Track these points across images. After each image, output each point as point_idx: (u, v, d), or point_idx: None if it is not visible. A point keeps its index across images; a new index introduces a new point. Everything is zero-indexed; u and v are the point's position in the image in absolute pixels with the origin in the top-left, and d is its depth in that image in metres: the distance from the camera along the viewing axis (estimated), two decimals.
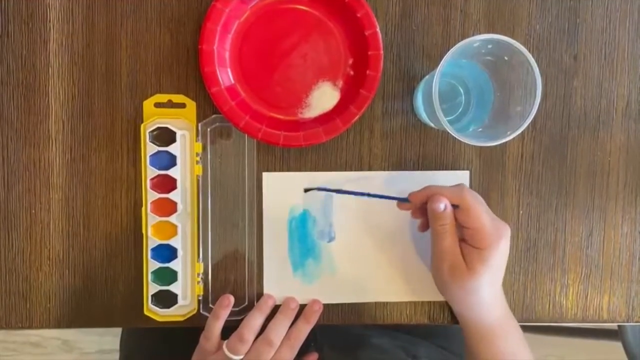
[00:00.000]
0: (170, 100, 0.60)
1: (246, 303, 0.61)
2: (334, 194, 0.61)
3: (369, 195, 0.59)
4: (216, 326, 0.58)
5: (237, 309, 0.61)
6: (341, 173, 0.62)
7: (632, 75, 0.63)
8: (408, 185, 0.62)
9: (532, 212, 0.64)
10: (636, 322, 0.65)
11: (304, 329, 0.59)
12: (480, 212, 0.54)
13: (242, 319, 0.59)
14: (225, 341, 0.58)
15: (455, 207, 0.55)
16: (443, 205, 0.54)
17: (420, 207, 0.58)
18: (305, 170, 0.62)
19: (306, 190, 0.61)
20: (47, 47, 0.59)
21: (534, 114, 0.50)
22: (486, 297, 0.56)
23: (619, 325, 0.97)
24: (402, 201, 0.59)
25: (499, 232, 0.54)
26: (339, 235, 0.62)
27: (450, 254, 0.55)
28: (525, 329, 0.61)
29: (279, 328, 0.58)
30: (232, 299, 0.59)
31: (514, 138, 0.51)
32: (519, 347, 0.58)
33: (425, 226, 0.60)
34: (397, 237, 0.63)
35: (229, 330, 0.59)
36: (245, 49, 0.60)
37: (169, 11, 0.60)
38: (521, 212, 0.63)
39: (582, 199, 0.64)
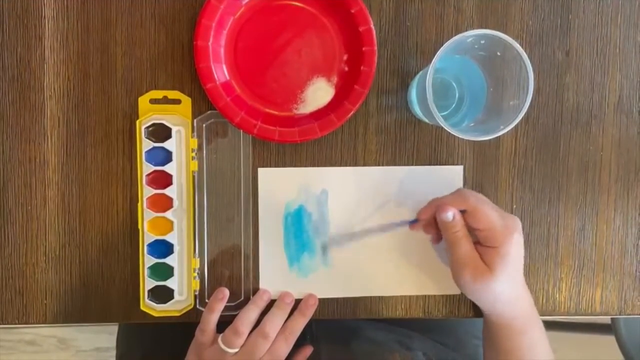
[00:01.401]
0: (165, 97, 0.60)
1: (242, 298, 0.62)
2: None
3: (379, 230, 0.62)
4: (211, 319, 0.58)
5: (233, 303, 0.61)
6: (336, 168, 0.62)
7: (623, 70, 0.64)
8: (404, 181, 0.62)
9: (525, 206, 0.64)
10: (628, 314, 0.66)
11: (299, 323, 0.60)
12: (488, 211, 0.55)
13: (237, 314, 0.59)
14: (221, 334, 0.58)
15: (462, 212, 0.56)
16: (451, 213, 0.56)
17: (430, 222, 0.59)
18: (301, 166, 0.62)
19: (324, 248, 0.63)
20: (42, 43, 0.59)
21: (526, 108, 0.51)
22: (510, 292, 0.57)
23: (612, 319, 0.98)
24: (412, 223, 0.61)
25: (510, 227, 0.56)
26: (334, 229, 0.63)
27: (470, 259, 0.56)
28: None
29: (275, 321, 0.59)
30: (227, 292, 0.59)
31: (507, 133, 0.52)
32: (539, 343, 0.59)
33: (438, 239, 0.61)
34: (392, 233, 0.63)
35: (225, 325, 0.59)
36: (240, 45, 0.60)
37: (164, 7, 0.60)
38: (515, 206, 0.64)
39: (575, 193, 0.64)
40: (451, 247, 0.57)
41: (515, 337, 0.59)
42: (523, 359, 0.58)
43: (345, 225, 0.63)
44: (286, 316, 0.60)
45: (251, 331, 0.58)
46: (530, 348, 0.59)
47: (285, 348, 0.58)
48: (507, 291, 0.57)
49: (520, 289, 0.59)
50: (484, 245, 0.56)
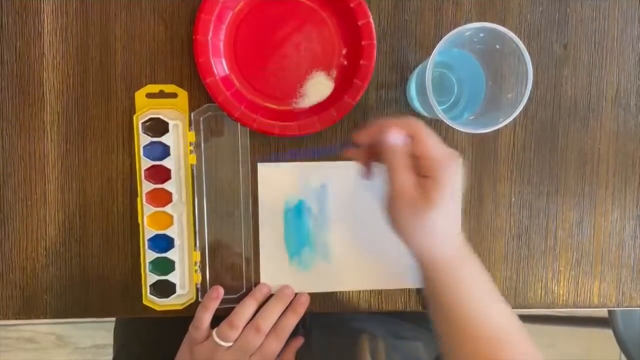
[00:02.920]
0: (162, 91, 0.60)
1: (244, 290, 0.62)
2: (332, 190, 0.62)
3: (315, 152, 0.59)
4: (205, 317, 0.59)
5: (235, 296, 0.61)
6: (336, 163, 0.62)
7: (621, 64, 0.64)
8: None
9: (523, 199, 0.65)
10: (626, 306, 0.67)
11: (291, 321, 0.60)
12: (433, 139, 0.51)
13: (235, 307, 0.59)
14: (215, 329, 0.58)
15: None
16: (398, 136, 0.51)
17: (365, 149, 0.55)
18: (301, 161, 0.62)
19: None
20: (41, 38, 0.59)
21: (525, 101, 0.51)
22: (444, 227, 0.52)
23: (609, 312, 0.98)
24: (347, 148, 0.57)
25: (450, 157, 0.51)
26: (334, 224, 0.63)
27: (408, 187, 0.51)
28: None
29: (270, 315, 0.59)
30: (221, 290, 0.59)
31: (505, 126, 0.52)
32: (478, 275, 0.55)
33: (370, 172, 0.57)
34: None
35: (219, 319, 0.59)
36: (240, 39, 0.60)
37: (163, 2, 0.60)
38: (513, 199, 0.64)
39: (573, 187, 0.65)
40: (392, 173, 0.51)
41: (453, 271, 0.54)
42: (465, 294, 0.53)
43: (345, 218, 0.63)
44: (283, 309, 0.60)
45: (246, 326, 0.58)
46: (471, 282, 0.54)
47: (277, 345, 0.59)
48: (442, 225, 0.52)
49: (454, 224, 0.54)
50: (422, 176, 0.51)
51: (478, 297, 0.54)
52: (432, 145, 0.51)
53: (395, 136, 0.51)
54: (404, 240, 0.54)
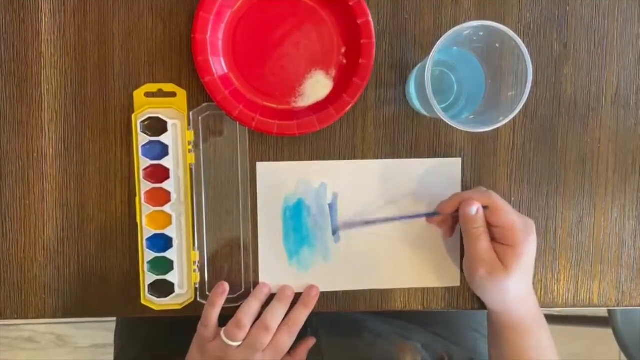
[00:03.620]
0: (160, 90, 0.60)
1: (242, 290, 0.62)
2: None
3: (397, 219, 0.62)
4: (213, 313, 0.58)
5: (233, 296, 0.61)
6: (335, 162, 0.62)
7: (621, 63, 0.64)
8: (403, 173, 0.62)
9: (523, 199, 0.64)
10: (626, 306, 0.66)
11: (302, 314, 0.60)
12: (509, 211, 0.57)
13: (238, 306, 0.59)
14: (223, 328, 0.58)
15: (484, 208, 0.57)
16: (475, 208, 0.57)
17: (448, 217, 0.61)
18: (299, 160, 0.62)
19: (334, 233, 0.63)
20: (39, 37, 0.59)
21: (525, 99, 0.51)
22: (519, 292, 0.58)
23: (609, 312, 0.98)
24: (431, 216, 0.61)
25: (528, 228, 0.57)
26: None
27: (487, 255, 0.57)
28: None
29: (276, 313, 0.59)
30: (227, 286, 0.59)
31: (505, 125, 0.52)
32: (546, 345, 0.60)
33: (451, 231, 0.62)
34: (391, 225, 0.63)
35: (226, 319, 0.59)
36: (239, 38, 0.60)
37: (161, 0, 0.60)
38: (513, 199, 0.64)
39: (573, 186, 0.65)
40: (470, 242, 0.58)
41: (521, 337, 0.59)
42: (533, 359, 0.59)
43: (346, 219, 0.63)
44: (287, 309, 0.60)
45: (253, 324, 0.58)
46: (537, 349, 0.59)
47: (288, 340, 0.58)
48: (518, 290, 0.57)
49: (529, 289, 0.60)
50: (499, 243, 0.57)
51: None
52: (512, 215, 0.57)
53: (470, 209, 0.57)
54: (480, 297, 0.61)
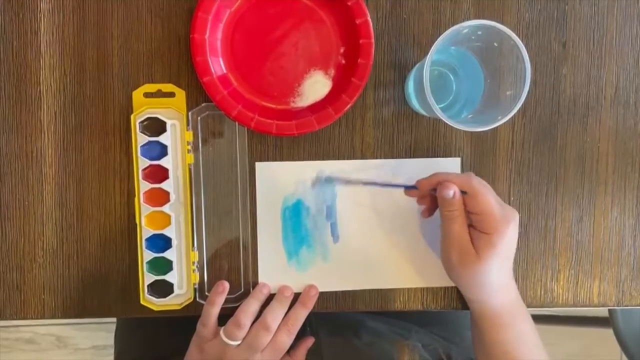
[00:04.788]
0: (159, 90, 0.60)
1: (242, 290, 0.62)
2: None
3: (377, 184, 0.60)
4: (212, 312, 0.58)
5: (232, 296, 0.61)
6: (334, 162, 0.62)
7: (620, 62, 0.64)
8: (401, 172, 0.62)
9: (523, 198, 0.64)
10: (626, 305, 0.66)
11: (301, 314, 0.60)
12: (488, 198, 0.55)
13: (238, 306, 0.59)
14: (222, 327, 0.58)
15: (463, 193, 0.56)
16: (452, 191, 0.55)
17: (426, 194, 0.59)
18: (298, 160, 0.62)
19: (314, 183, 0.62)
20: (38, 37, 0.59)
21: (524, 98, 0.51)
22: (495, 282, 0.57)
23: (609, 312, 0.98)
24: (409, 188, 0.60)
25: (507, 218, 0.55)
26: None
27: (459, 239, 0.56)
28: None
29: (275, 313, 0.59)
30: (227, 285, 0.59)
31: (504, 125, 0.52)
32: (527, 334, 0.59)
33: (429, 211, 0.61)
34: (390, 225, 0.63)
35: (225, 318, 0.59)
36: (237, 38, 0.60)
37: (160, 1, 0.60)
38: (512, 198, 0.64)
39: (572, 185, 0.65)
40: (445, 224, 0.57)
41: (499, 328, 0.58)
42: (511, 352, 0.58)
43: (343, 219, 0.63)
44: (286, 309, 0.60)
45: (253, 324, 0.58)
46: (518, 340, 0.58)
47: (288, 339, 0.58)
48: (493, 279, 0.56)
49: (507, 280, 0.58)
50: (477, 230, 0.56)
51: (524, 357, 0.57)
52: (491, 204, 0.55)
53: (447, 192, 0.55)
54: (458, 287, 0.60)
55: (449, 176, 0.57)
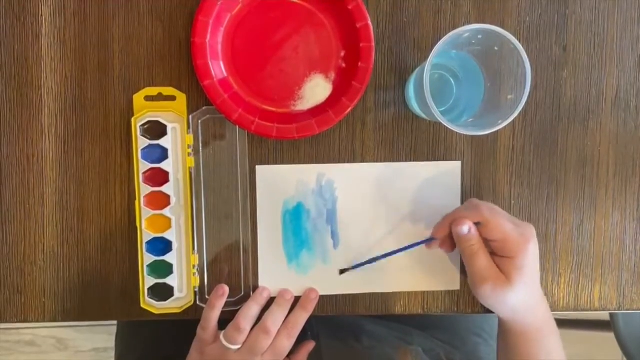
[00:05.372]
0: (160, 93, 0.60)
1: (242, 293, 0.62)
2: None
3: (399, 251, 0.61)
4: (212, 316, 0.58)
5: (233, 299, 0.61)
6: (334, 165, 0.62)
7: (621, 66, 0.64)
8: (402, 177, 0.62)
9: (523, 202, 0.64)
10: (627, 309, 0.66)
11: (301, 317, 0.60)
12: (501, 223, 0.55)
13: (238, 310, 0.59)
14: (222, 331, 0.58)
15: (476, 224, 0.56)
16: (467, 227, 0.56)
17: (445, 238, 0.60)
18: (299, 163, 0.62)
19: (341, 272, 0.62)
20: (39, 41, 0.59)
21: (524, 102, 0.51)
22: (527, 301, 0.57)
23: (610, 316, 0.98)
24: (429, 242, 0.61)
25: (525, 236, 0.56)
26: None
27: (488, 272, 0.56)
28: None
29: (275, 317, 0.59)
30: (226, 288, 0.59)
31: (504, 129, 0.52)
32: (555, 351, 0.60)
33: (451, 248, 0.61)
34: (390, 230, 0.63)
35: (225, 322, 0.59)
36: (238, 41, 0.60)
37: (161, 4, 0.60)
38: (513, 202, 0.64)
39: (573, 189, 0.65)
40: (468, 260, 0.57)
41: (531, 344, 0.59)
42: None
43: (345, 223, 0.63)
44: (286, 313, 0.60)
45: (253, 328, 0.58)
46: (547, 356, 0.59)
47: (288, 343, 0.58)
48: (524, 300, 0.57)
49: (537, 297, 0.59)
50: (499, 256, 0.56)
51: None
52: (505, 228, 0.55)
53: (461, 228, 0.56)
54: (489, 308, 0.60)
55: (459, 213, 0.58)
